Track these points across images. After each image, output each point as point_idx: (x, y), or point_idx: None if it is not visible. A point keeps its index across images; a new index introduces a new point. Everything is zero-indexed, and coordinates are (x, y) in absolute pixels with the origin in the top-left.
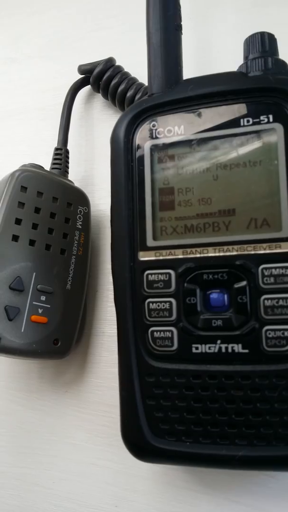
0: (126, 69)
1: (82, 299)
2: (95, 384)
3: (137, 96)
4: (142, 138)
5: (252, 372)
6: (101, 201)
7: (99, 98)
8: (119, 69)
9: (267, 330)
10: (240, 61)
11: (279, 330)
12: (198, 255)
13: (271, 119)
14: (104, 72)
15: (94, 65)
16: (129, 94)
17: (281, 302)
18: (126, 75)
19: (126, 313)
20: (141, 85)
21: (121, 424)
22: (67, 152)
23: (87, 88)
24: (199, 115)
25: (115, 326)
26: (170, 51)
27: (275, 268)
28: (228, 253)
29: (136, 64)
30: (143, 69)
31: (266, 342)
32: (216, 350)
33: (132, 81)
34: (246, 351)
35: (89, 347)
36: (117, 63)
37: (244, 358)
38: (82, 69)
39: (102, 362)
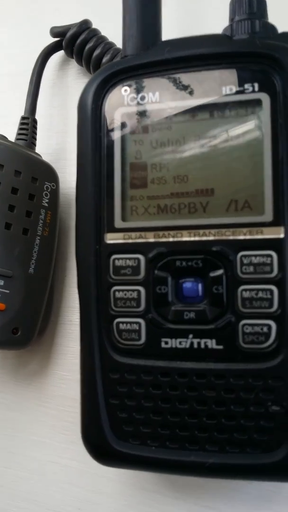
0: (104, 34)
1: (47, 285)
2: (61, 376)
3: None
4: (112, 105)
5: (226, 371)
6: (73, 177)
7: (74, 65)
8: (95, 32)
9: (244, 324)
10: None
11: (258, 325)
12: (171, 239)
13: (256, 88)
14: (78, 35)
15: (67, 27)
16: (105, 59)
17: (260, 294)
18: (102, 39)
19: (90, 302)
20: (119, 50)
21: (81, 424)
22: (34, 121)
23: (61, 53)
24: (177, 80)
25: None
26: (147, 9)
27: (255, 256)
28: (204, 238)
29: (116, 29)
30: None
31: (242, 338)
32: (188, 346)
33: (109, 45)
34: (221, 347)
35: (55, 337)
36: (95, 27)
37: (218, 355)
38: (55, 32)
39: (68, 353)
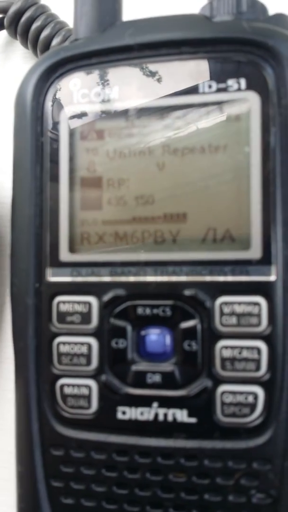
0: (55, 12)
1: None
2: None
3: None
4: (58, 102)
5: (199, 451)
6: None
7: (20, 48)
8: (43, 10)
9: (223, 392)
10: None
11: (241, 393)
12: (131, 279)
13: (243, 86)
14: (22, 11)
15: (10, 2)
16: (55, 41)
17: (245, 353)
18: (52, 18)
19: (27, 356)
20: (72, 32)
21: (17, 508)
22: None
23: (4, 34)
24: (141, 73)
25: None
26: None
27: (239, 303)
28: (174, 278)
29: (70, 6)
30: None
31: (221, 410)
32: (151, 417)
33: (60, 25)
34: (193, 420)
35: None
36: (43, 3)
37: (189, 430)
38: None
39: (3, 398)
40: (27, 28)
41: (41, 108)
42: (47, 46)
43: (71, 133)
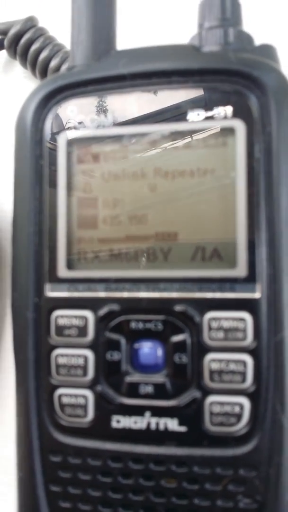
0: (53, 34)
1: None
2: None
3: (64, 67)
4: (56, 127)
5: (189, 458)
6: None
7: (20, 68)
8: (42, 32)
9: (212, 402)
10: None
11: (228, 403)
12: (125, 295)
13: (229, 114)
14: (22, 33)
15: (10, 24)
16: (53, 63)
17: (232, 366)
18: (50, 40)
19: (27, 368)
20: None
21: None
22: None
23: (4, 54)
24: (133, 100)
25: None
26: (101, 11)
27: (226, 318)
28: (165, 294)
29: (68, 28)
30: None
31: (210, 419)
32: (144, 426)
33: (58, 47)
34: (183, 429)
35: None
36: (42, 26)
37: (180, 438)
38: None
39: (2, 405)
40: (26, 49)
41: (40, 133)
42: (45, 67)
43: (69, 156)
